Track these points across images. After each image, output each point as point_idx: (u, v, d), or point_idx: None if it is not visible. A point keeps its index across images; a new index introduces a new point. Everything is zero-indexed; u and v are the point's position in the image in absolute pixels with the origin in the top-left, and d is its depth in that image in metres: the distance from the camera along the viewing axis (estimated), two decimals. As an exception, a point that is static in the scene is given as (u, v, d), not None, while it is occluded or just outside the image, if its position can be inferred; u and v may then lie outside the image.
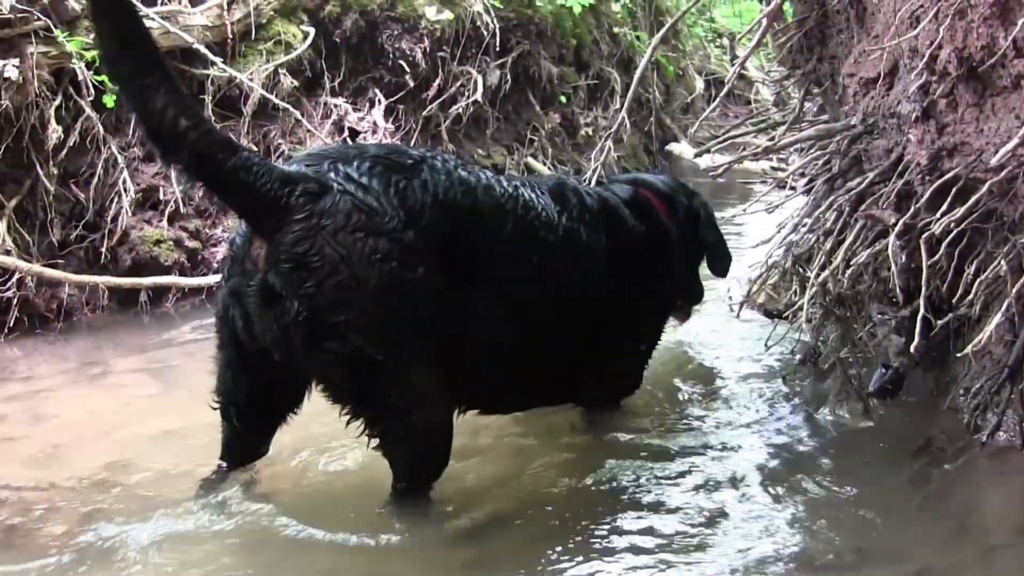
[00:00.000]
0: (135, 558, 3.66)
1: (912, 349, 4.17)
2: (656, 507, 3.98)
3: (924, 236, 3.97)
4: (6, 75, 6.54)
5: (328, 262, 3.54)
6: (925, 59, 3.85)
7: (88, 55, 6.92)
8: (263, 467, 4.22)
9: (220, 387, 4.03)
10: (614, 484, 4.19)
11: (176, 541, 3.74)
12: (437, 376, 3.85)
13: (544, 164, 10.57)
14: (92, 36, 6.99)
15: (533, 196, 4.20)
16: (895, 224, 4.15)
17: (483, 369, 4.10)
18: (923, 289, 4.03)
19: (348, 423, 3.84)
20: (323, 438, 4.47)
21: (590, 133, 11.51)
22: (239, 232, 3.83)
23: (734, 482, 4.13)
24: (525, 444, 4.57)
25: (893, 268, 4.20)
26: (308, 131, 8.44)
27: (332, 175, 3.66)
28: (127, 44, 3.40)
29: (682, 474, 4.26)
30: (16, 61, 6.46)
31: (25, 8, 6.55)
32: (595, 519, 3.90)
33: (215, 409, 4.06)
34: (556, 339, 4.30)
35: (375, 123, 9.09)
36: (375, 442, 3.87)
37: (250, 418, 4.07)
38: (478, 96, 9.86)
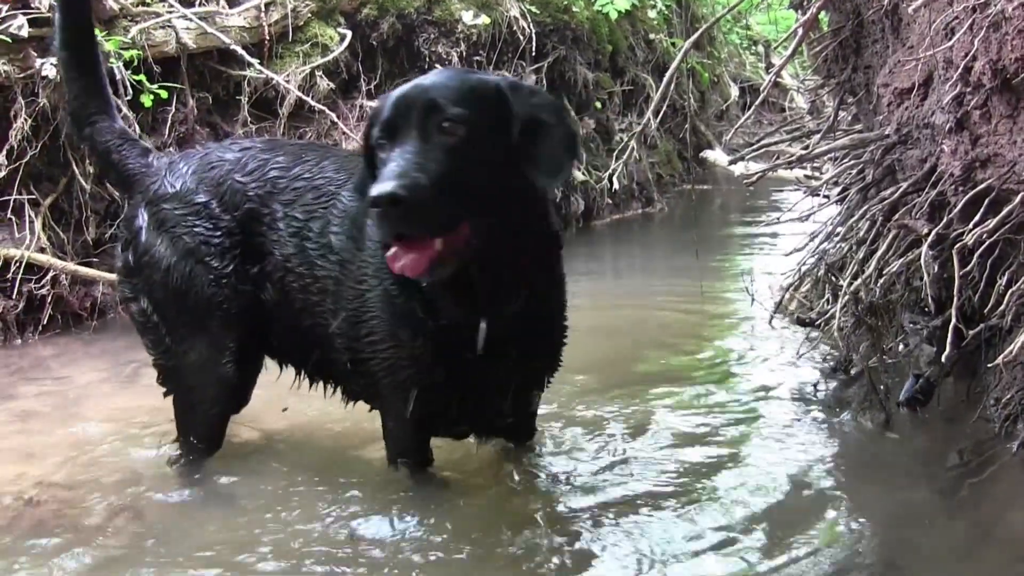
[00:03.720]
0: (166, 552, 3.69)
1: (943, 359, 4.15)
2: (676, 513, 3.94)
3: (956, 246, 3.95)
4: (44, 74, 6.63)
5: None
6: (959, 70, 3.83)
7: (126, 54, 6.98)
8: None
9: None
10: (625, 490, 4.16)
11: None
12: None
13: (579, 170, 10.56)
14: (129, 35, 7.07)
15: None
16: (928, 234, 4.14)
17: None
18: (955, 299, 4.01)
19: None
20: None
21: (624, 139, 11.50)
22: None
23: (761, 492, 4.10)
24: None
25: (925, 278, 4.17)
26: (343, 133, 8.48)
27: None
28: None
29: (708, 480, 4.22)
30: (54, 60, 6.52)
31: (65, 8, 6.60)
32: (601, 519, 3.89)
33: None
34: None
35: (409, 126, 9.10)
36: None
37: None
38: (513, 101, 9.86)
